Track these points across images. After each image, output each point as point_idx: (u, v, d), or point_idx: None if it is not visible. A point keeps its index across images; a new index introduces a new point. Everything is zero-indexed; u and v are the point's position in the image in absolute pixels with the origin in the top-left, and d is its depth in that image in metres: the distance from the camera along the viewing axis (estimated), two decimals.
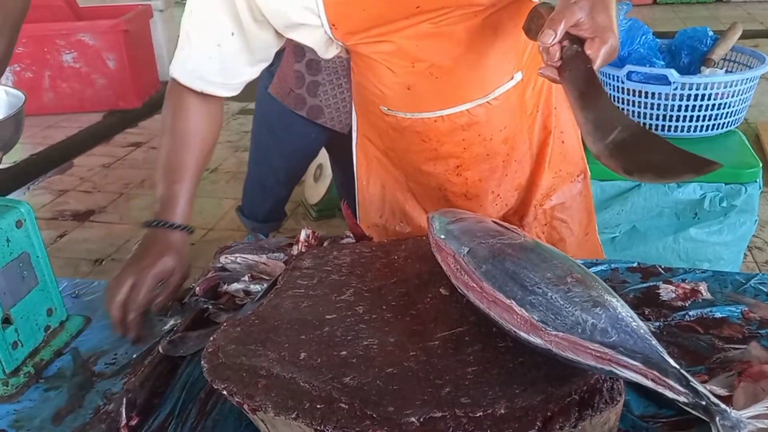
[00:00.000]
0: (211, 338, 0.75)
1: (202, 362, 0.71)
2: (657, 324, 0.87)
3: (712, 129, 1.87)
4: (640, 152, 0.66)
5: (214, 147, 1.11)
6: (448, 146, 1.04)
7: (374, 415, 0.61)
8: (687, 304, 0.90)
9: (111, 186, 3.61)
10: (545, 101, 1.12)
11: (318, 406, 0.63)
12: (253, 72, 1.06)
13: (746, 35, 2.02)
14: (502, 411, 0.60)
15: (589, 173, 1.22)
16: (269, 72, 2.13)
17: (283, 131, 2.22)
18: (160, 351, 0.86)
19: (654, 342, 0.60)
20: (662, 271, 0.99)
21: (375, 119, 1.09)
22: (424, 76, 0.96)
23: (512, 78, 1.01)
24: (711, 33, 2.01)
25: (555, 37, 0.71)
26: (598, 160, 0.68)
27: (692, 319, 0.87)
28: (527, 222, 1.16)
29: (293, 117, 2.14)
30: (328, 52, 1.00)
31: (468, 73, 0.97)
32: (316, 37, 0.97)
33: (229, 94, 1.06)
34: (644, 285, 0.96)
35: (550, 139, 1.13)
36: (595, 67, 0.71)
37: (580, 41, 0.72)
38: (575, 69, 0.71)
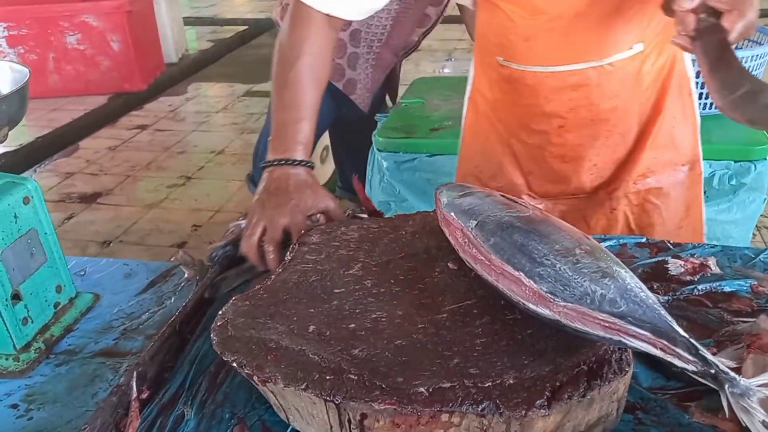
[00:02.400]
0: (220, 312, 0.75)
1: (212, 335, 0.72)
2: (665, 298, 0.86)
3: None
4: (766, 105, 0.68)
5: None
6: (554, 104, 1.06)
7: (383, 386, 0.61)
8: (696, 279, 0.90)
9: (117, 168, 3.62)
10: (663, 81, 1.10)
11: (327, 377, 0.63)
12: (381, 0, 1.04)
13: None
14: (511, 381, 0.60)
15: (701, 169, 1.16)
16: None
17: None
18: (180, 314, 0.86)
19: (663, 312, 0.59)
20: (671, 246, 0.99)
21: (490, 70, 1.13)
22: (543, 29, 0.98)
23: (631, 48, 1.01)
24: None
25: (694, 1, 0.71)
26: (723, 113, 0.71)
27: (701, 293, 0.87)
28: (615, 196, 1.14)
29: None
30: None
31: (586, 33, 0.98)
32: None
33: (355, 18, 1.04)
34: (653, 260, 0.95)
35: (659, 119, 1.12)
36: (731, 39, 0.70)
37: (716, 14, 0.71)
38: (708, 40, 0.71)
